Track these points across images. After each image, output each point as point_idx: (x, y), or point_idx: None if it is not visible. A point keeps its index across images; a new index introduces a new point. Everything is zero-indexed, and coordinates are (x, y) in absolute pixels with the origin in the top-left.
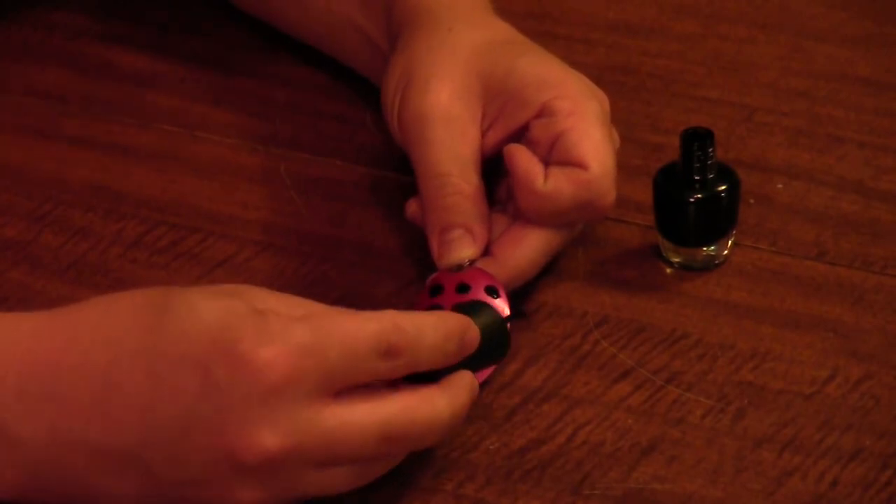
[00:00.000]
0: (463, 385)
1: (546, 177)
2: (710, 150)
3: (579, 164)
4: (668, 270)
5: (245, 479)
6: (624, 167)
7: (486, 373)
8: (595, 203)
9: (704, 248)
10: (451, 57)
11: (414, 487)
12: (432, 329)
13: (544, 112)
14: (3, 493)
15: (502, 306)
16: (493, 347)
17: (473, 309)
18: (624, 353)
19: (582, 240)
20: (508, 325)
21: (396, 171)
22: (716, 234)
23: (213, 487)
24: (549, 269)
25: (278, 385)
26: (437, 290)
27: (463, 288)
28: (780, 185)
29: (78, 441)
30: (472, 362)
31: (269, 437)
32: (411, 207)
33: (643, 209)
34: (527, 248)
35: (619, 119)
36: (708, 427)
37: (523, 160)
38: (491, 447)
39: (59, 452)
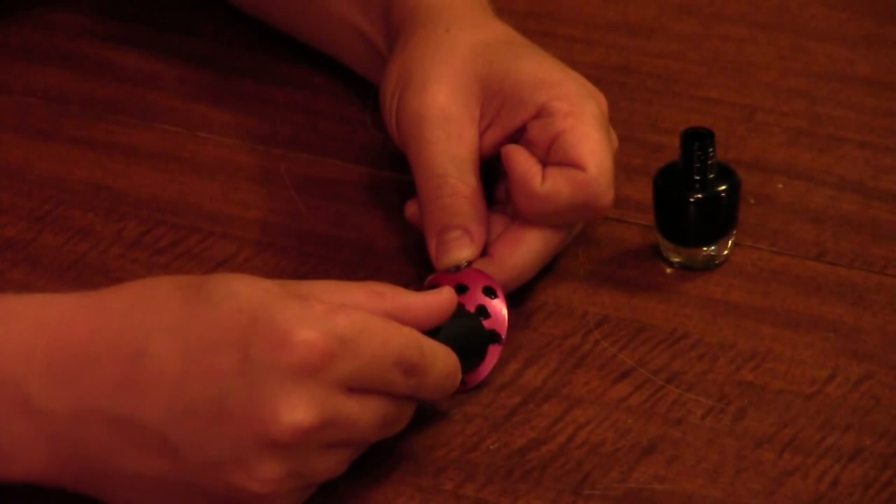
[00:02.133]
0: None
1: (544, 177)
2: (711, 150)
3: (577, 165)
4: (668, 270)
5: (268, 458)
6: (624, 167)
7: (487, 367)
8: (593, 203)
9: (704, 248)
10: (449, 58)
11: (414, 487)
12: (443, 362)
13: (542, 113)
14: (27, 471)
15: (500, 307)
16: (469, 361)
17: (455, 322)
18: (624, 353)
19: (582, 240)
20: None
21: (396, 171)
22: (716, 234)
23: (235, 467)
24: (549, 269)
25: (312, 366)
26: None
27: (461, 289)
28: (780, 185)
29: (103, 416)
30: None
31: (298, 414)
32: (410, 208)
33: (643, 209)
34: (525, 248)
35: (619, 119)
36: (708, 427)
37: (521, 161)
38: (491, 447)
39: (83, 426)
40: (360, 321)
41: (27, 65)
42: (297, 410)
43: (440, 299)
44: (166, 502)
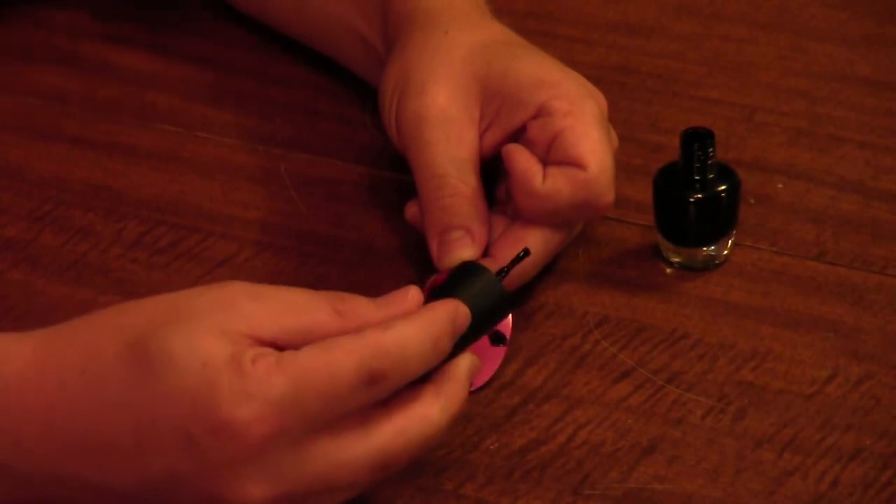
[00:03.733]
0: (457, 379)
1: (544, 176)
2: (711, 150)
3: (577, 164)
4: (668, 270)
5: None
6: (624, 167)
7: (492, 368)
8: (593, 202)
9: (704, 248)
10: (448, 59)
11: (414, 487)
12: (417, 340)
13: (541, 112)
14: None
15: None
16: (490, 311)
17: (458, 281)
18: (624, 353)
19: (582, 240)
20: (501, 279)
21: (396, 171)
22: (716, 234)
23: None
24: (549, 269)
25: (260, 444)
26: (437, 292)
27: None
28: (780, 185)
29: (77, 480)
30: (471, 333)
31: (256, 490)
32: (411, 210)
33: (643, 209)
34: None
35: (619, 119)
36: (708, 427)
37: (521, 160)
38: (491, 447)
39: (59, 487)
40: (299, 372)
41: (27, 65)
42: (250, 490)
43: (402, 309)
44: None
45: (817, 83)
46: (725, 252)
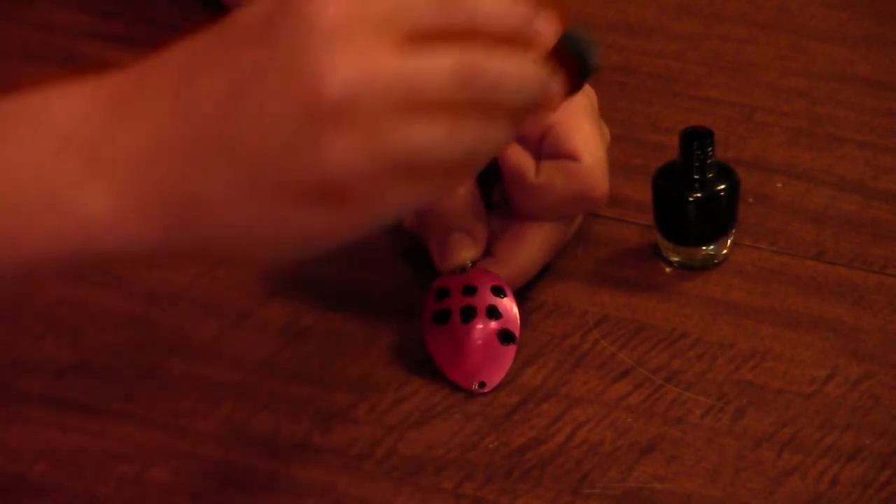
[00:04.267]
0: (541, 42)
1: (538, 170)
2: (710, 149)
3: (570, 156)
4: (668, 270)
5: (332, 129)
6: (624, 167)
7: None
8: (588, 194)
9: (704, 248)
10: None
11: (413, 486)
12: None
13: None
14: (118, 235)
15: (510, 305)
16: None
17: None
18: (623, 353)
19: (581, 239)
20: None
21: None
22: (715, 234)
23: (304, 151)
24: (549, 269)
25: (339, 23)
26: (442, 293)
27: (469, 290)
28: (779, 185)
29: (168, 146)
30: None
31: (340, 70)
32: (409, 219)
33: (643, 209)
34: (527, 245)
35: (619, 119)
36: (707, 426)
37: (513, 154)
38: (490, 446)
39: (156, 166)
40: None
41: (26, 65)
42: (333, 69)
43: None
44: (255, 214)
45: (817, 83)
46: (725, 252)
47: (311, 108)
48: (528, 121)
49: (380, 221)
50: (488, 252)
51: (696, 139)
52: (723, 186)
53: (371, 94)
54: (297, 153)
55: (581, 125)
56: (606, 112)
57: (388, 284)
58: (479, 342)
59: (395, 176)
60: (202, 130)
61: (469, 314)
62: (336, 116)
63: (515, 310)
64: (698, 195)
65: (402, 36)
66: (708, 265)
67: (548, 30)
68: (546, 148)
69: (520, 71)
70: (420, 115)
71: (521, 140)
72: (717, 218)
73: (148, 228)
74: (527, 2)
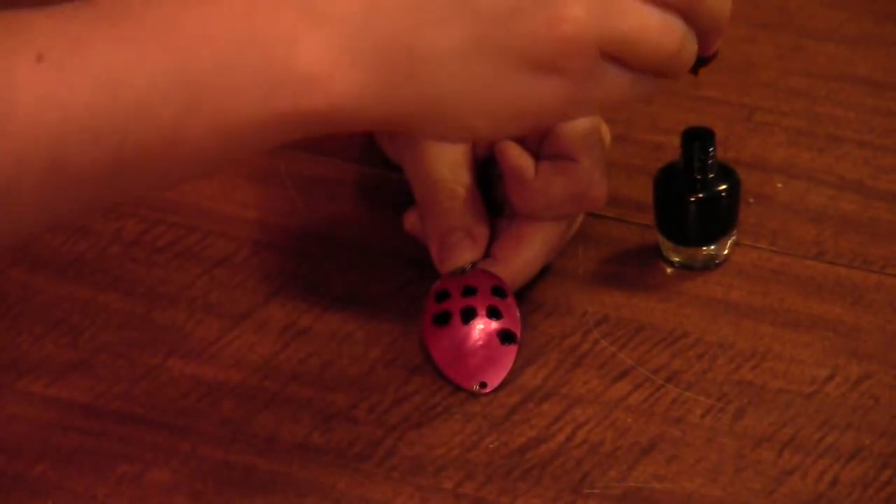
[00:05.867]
0: None
1: (536, 170)
2: (711, 149)
3: (569, 156)
4: (668, 270)
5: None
6: (624, 167)
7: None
8: (587, 194)
9: (704, 248)
10: None
11: (413, 486)
12: None
13: None
14: (336, 93)
15: (510, 305)
16: None
17: None
18: (623, 353)
19: (582, 239)
20: None
21: (396, 171)
22: (716, 234)
23: (536, 16)
24: (549, 269)
25: None
26: (442, 295)
27: (469, 291)
28: (779, 185)
29: (394, 4)
30: None
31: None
32: (409, 220)
33: (643, 209)
34: (527, 245)
35: (619, 119)
36: (707, 426)
37: (513, 155)
38: (490, 446)
39: (376, 19)
40: None
41: None
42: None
43: None
44: (478, 74)
45: (817, 83)
46: (725, 252)
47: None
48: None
49: (588, 106)
50: (488, 252)
51: (698, 139)
52: (724, 187)
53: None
54: (528, 18)
55: (580, 125)
56: (606, 112)
57: (389, 284)
58: (480, 343)
59: (611, 58)
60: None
61: (469, 315)
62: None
63: (516, 310)
64: (699, 195)
65: None
66: (709, 265)
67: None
68: (546, 148)
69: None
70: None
71: (521, 140)
72: (718, 218)
73: (364, 83)
74: None
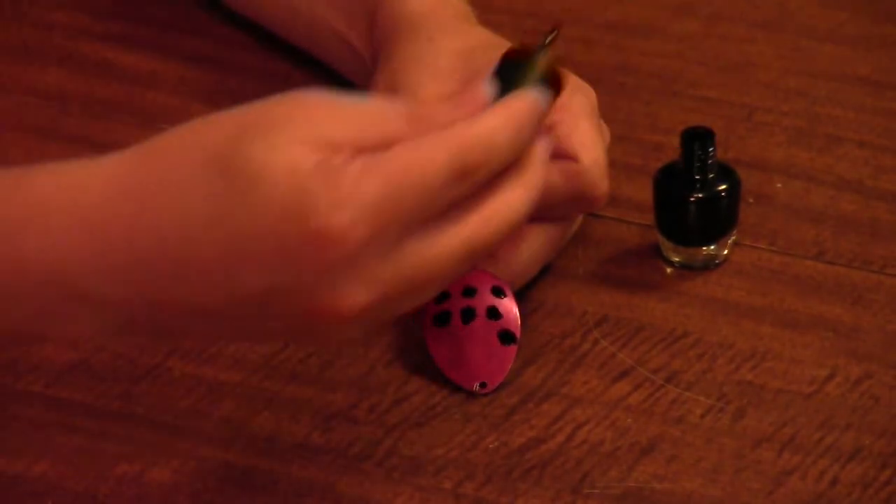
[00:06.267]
0: (534, 163)
1: None
2: (711, 149)
3: (569, 156)
4: (668, 270)
5: (336, 329)
6: (624, 167)
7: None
8: (587, 193)
9: (704, 248)
10: (434, 66)
11: (413, 486)
12: (503, 130)
13: None
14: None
15: (510, 306)
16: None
17: (520, 67)
18: (623, 353)
19: (581, 239)
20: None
21: None
22: (716, 234)
23: (306, 339)
24: (549, 269)
25: (356, 249)
26: (442, 296)
27: (468, 291)
28: (779, 185)
29: (168, 300)
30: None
31: (355, 297)
32: None
33: (643, 209)
34: (527, 245)
35: (619, 119)
36: (707, 426)
37: None
38: (490, 446)
39: (150, 310)
40: (391, 172)
41: (26, 65)
42: (350, 295)
43: (477, 105)
44: (231, 330)
45: (816, 83)
46: (725, 252)
47: (321, 321)
48: None
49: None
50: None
51: (697, 139)
52: (724, 186)
53: (384, 305)
54: (287, 301)
55: (580, 124)
56: (606, 112)
57: None
58: (480, 343)
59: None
60: (203, 304)
61: (469, 316)
62: (345, 324)
63: (515, 310)
64: (699, 195)
65: (420, 223)
66: (709, 265)
67: (545, 151)
68: None
69: (515, 217)
70: (423, 287)
71: None
72: (718, 218)
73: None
74: (529, 124)
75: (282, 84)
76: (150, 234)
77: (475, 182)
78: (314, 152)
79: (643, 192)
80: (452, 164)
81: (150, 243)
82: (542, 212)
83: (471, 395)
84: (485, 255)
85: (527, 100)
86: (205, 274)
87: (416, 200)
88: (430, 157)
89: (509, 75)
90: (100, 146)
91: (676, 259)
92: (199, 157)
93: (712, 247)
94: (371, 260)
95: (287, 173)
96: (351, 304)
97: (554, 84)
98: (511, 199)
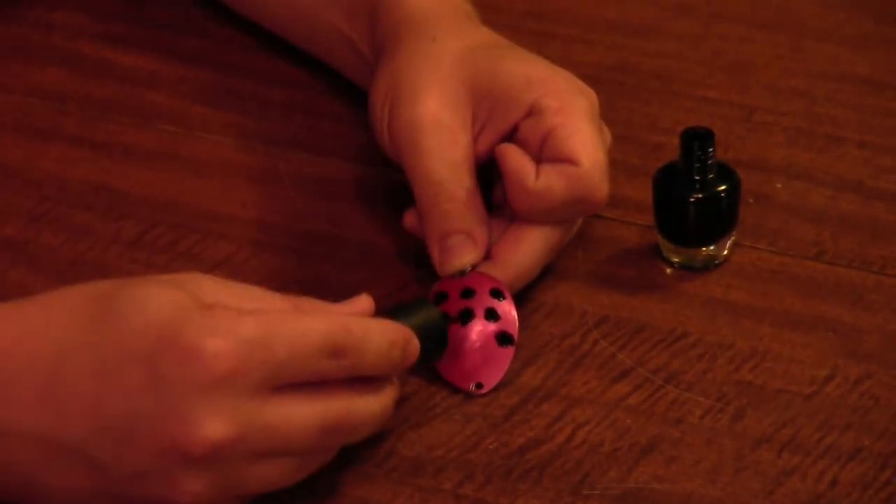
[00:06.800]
0: (390, 384)
1: (537, 174)
2: (711, 150)
3: (570, 160)
4: (668, 270)
5: (190, 470)
6: (624, 167)
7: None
8: (588, 197)
9: (704, 248)
10: (436, 66)
11: (413, 487)
12: (379, 335)
13: (532, 111)
14: None
15: (508, 308)
16: (429, 348)
17: (411, 309)
18: (623, 353)
19: (581, 240)
20: (447, 325)
21: (396, 170)
22: (716, 234)
23: (159, 480)
24: (549, 269)
25: (223, 377)
26: (441, 297)
27: (467, 293)
28: (779, 185)
29: (25, 432)
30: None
31: (212, 427)
32: (409, 219)
33: (643, 209)
34: (527, 248)
35: (618, 119)
36: (707, 427)
37: (514, 158)
38: (490, 447)
39: (6, 444)
40: (269, 320)
41: (26, 65)
42: (209, 424)
43: (356, 309)
44: None
45: (816, 83)
46: (725, 252)
47: (175, 454)
48: None
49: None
50: (487, 254)
51: (697, 139)
52: (723, 187)
53: (232, 449)
54: (149, 479)
55: (581, 128)
56: (606, 112)
57: (388, 284)
58: (477, 344)
59: (224, 498)
60: (62, 437)
61: (467, 317)
62: (196, 462)
63: (514, 312)
64: (699, 195)
65: (285, 384)
66: (709, 266)
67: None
68: (546, 151)
69: (377, 413)
70: (269, 458)
71: (523, 143)
72: (718, 218)
73: None
74: (399, 348)
75: (280, 84)
76: (25, 358)
77: (341, 367)
78: (198, 301)
79: (643, 192)
80: (326, 338)
81: (22, 367)
82: (543, 215)
83: (470, 395)
84: (338, 440)
85: (406, 331)
86: (72, 401)
87: (288, 352)
88: (308, 323)
89: (407, 311)
90: (99, 146)
91: (676, 259)
92: (88, 291)
93: (712, 247)
94: (235, 395)
95: (171, 304)
96: (208, 433)
97: (439, 342)
98: (368, 398)
